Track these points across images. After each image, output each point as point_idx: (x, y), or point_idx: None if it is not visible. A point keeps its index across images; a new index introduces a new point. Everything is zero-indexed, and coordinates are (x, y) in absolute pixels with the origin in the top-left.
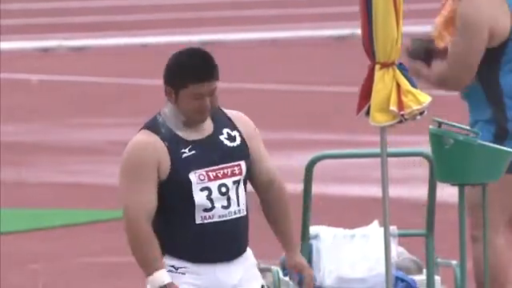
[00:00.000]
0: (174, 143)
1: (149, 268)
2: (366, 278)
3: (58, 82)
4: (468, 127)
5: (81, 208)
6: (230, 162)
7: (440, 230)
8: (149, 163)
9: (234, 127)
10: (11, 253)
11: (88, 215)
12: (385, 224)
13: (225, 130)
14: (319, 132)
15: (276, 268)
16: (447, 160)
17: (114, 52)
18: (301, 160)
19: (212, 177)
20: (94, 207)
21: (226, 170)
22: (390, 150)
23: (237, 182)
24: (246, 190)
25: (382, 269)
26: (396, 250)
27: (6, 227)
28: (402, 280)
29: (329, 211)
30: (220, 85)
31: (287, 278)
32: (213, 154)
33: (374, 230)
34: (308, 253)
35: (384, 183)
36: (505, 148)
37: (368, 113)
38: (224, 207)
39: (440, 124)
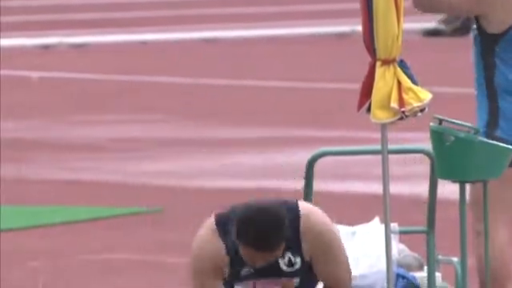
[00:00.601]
0: (235, 259)
1: None
2: (367, 274)
3: (59, 79)
4: (469, 124)
5: (81, 205)
6: (282, 277)
7: (441, 227)
8: (210, 268)
9: (298, 249)
10: (11, 250)
11: (88, 212)
12: (386, 221)
13: (287, 254)
14: (321, 129)
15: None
16: (448, 157)
17: (113, 49)
18: (302, 157)
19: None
20: (94, 204)
21: (276, 281)
22: (391, 146)
23: None
24: None
25: (383, 266)
26: (397, 246)
27: (6, 224)
28: (403, 277)
29: (330, 208)
30: (222, 81)
31: None
32: (267, 275)
33: (375, 227)
34: None
35: (385, 180)
36: (506, 145)
37: (369, 110)
38: None
39: (441, 121)
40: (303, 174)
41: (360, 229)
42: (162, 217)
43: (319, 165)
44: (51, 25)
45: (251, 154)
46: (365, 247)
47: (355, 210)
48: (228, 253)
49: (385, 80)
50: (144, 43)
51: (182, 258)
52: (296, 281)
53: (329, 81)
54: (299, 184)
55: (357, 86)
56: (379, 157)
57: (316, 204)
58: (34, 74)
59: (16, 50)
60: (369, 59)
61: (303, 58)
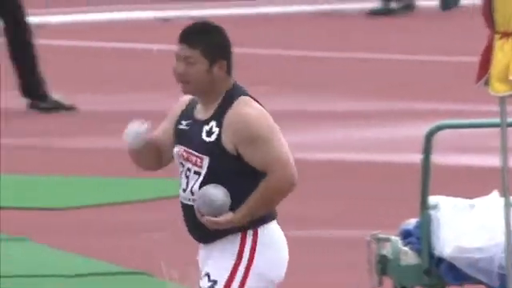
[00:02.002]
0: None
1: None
2: (486, 247)
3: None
4: None
5: None
6: (197, 152)
7: None
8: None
9: (219, 124)
10: (130, 221)
11: None
12: (504, 194)
13: (212, 123)
14: (438, 102)
15: (396, 238)
16: None
17: (230, 21)
18: (420, 130)
19: (184, 157)
20: None
21: (192, 157)
22: (511, 119)
23: (197, 174)
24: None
25: (501, 239)
26: None
27: (120, 197)
28: None
29: (448, 181)
30: (334, 54)
31: (406, 248)
32: (193, 137)
33: (494, 200)
34: (427, 222)
35: (504, 153)
36: None
37: (487, 82)
38: (183, 190)
39: None
40: (421, 147)
41: (478, 202)
42: None
43: (437, 138)
44: None
45: (366, 127)
46: (483, 220)
47: (474, 183)
48: None
49: (503, 52)
50: (264, 16)
51: (305, 231)
52: (205, 160)
53: (447, 54)
54: (417, 157)
55: (475, 59)
56: (498, 130)
57: (434, 177)
58: (155, 47)
59: (136, 23)
60: (487, 32)
61: (417, 31)
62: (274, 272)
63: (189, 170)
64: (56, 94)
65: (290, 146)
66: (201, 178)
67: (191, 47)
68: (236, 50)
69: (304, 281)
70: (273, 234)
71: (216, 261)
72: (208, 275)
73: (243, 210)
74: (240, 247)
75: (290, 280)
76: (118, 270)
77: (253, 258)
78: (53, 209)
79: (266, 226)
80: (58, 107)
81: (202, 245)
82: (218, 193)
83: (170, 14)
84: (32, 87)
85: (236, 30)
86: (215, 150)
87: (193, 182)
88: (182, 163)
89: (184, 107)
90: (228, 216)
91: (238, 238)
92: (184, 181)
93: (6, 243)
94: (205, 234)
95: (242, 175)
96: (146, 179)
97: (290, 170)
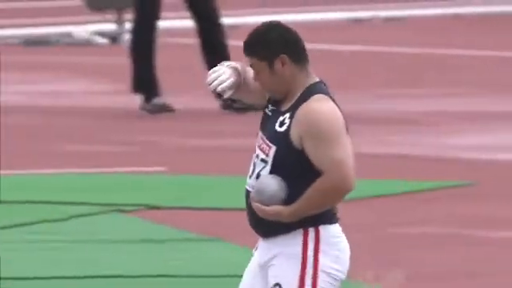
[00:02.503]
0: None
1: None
2: None
3: (368, 53)
4: None
5: (389, 179)
6: (268, 140)
7: None
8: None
9: (291, 117)
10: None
11: (398, 186)
12: None
13: (286, 114)
14: None
15: None
16: None
17: (426, 23)
18: None
19: (260, 142)
20: (403, 178)
21: (263, 145)
22: None
23: (263, 161)
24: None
25: None
26: None
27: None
28: None
29: None
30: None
31: None
32: (269, 125)
33: None
34: None
35: None
36: None
37: None
38: (249, 176)
39: None
40: None
41: None
42: (472, 191)
43: None
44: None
45: None
46: None
47: None
48: None
49: None
50: (456, 17)
51: (493, 232)
52: (272, 149)
53: None
54: None
55: None
56: None
57: None
58: (345, 48)
59: (326, 24)
60: None
61: None
62: (340, 268)
63: (257, 156)
64: None
65: (489, 146)
66: (267, 166)
67: (251, 57)
68: (444, 51)
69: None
70: (334, 234)
71: (283, 268)
72: (279, 285)
73: (293, 206)
74: (303, 248)
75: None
76: None
77: (317, 258)
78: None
79: (327, 226)
80: (252, 108)
81: (261, 238)
82: (272, 183)
83: (361, 14)
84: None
85: (442, 32)
86: (283, 141)
87: (258, 170)
88: (257, 147)
89: None
90: (277, 208)
91: (299, 237)
92: (251, 167)
93: (198, 243)
94: (263, 224)
95: (303, 171)
96: None
97: (344, 172)
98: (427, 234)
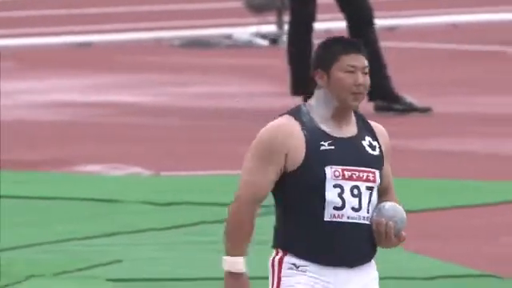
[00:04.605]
0: (314, 134)
1: (233, 249)
2: None
3: None
4: None
5: None
6: (367, 167)
7: None
8: (278, 148)
9: (375, 138)
10: (482, 224)
11: None
12: None
13: (367, 138)
14: None
15: None
16: None
17: None
18: None
19: (347, 176)
20: None
21: (361, 174)
22: None
23: (370, 189)
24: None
25: None
26: None
27: (476, 200)
28: None
29: None
30: None
31: None
32: (352, 154)
33: None
34: None
35: None
36: None
37: None
38: (354, 209)
39: None
40: None
41: None
42: None
43: None
44: None
45: None
46: None
47: None
48: (304, 128)
49: None
50: None
51: None
52: (377, 174)
53: None
54: None
55: None
56: None
57: None
58: (501, 48)
59: (493, 25)
60: None
61: None
62: None
63: (356, 187)
64: (409, 97)
65: None
66: (374, 192)
67: (364, 55)
68: None
69: None
70: None
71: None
72: None
73: None
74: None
75: None
76: (466, 273)
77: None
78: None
79: None
80: (411, 109)
81: (339, 269)
82: (401, 208)
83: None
84: (382, 89)
85: None
86: (381, 163)
87: (367, 199)
88: (339, 185)
89: (301, 136)
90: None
91: (373, 260)
92: (353, 200)
93: None
94: (362, 255)
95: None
96: (500, 182)
97: None
98: None
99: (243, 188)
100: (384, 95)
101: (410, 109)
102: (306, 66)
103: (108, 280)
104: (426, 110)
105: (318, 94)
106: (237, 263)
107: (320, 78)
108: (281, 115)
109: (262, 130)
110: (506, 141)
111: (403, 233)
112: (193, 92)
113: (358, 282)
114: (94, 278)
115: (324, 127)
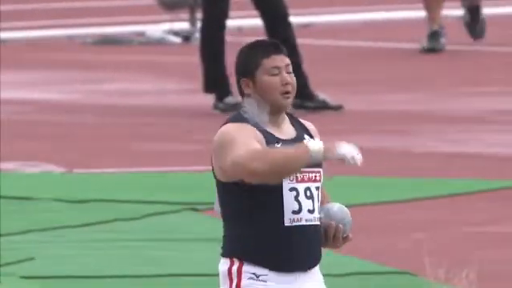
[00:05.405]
0: (267, 136)
1: (300, 152)
2: None
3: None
4: None
5: (463, 177)
6: (313, 167)
7: None
8: (249, 129)
9: (311, 136)
10: (397, 221)
11: (471, 185)
12: None
13: (306, 136)
14: None
15: None
16: None
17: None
18: None
19: (299, 178)
20: (476, 177)
21: (310, 174)
22: None
23: (317, 189)
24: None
25: None
26: None
27: (391, 196)
28: None
29: None
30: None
31: None
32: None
33: None
34: None
35: None
36: None
37: None
38: (310, 211)
39: None
40: None
41: None
42: None
43: None
44: None
45: None
46: None
47: None
48: (257, 128)
49: None
50: None
51: None
52: (321, 173)
53: None
54: None
55: None
56: None
57: None
58: (414, 46)
59: (399, 23)
60: None
61: None
62: None
63: (308, 189)
64: (322, 94)
65: None
66: (320, 192)
67: (285, 54)
68: None
69: None
70: None
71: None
72: None
73: None
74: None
75: None
76: (381, 270)
77: None
78: None
79: None
80: (324, 107)
81: (297, 274)
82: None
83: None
84: (297, 87)
85: None
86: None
87: (317, 200)
88: (294, 188)
89: (259, 134)
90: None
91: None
92: (307, 202)
93: None
94: (316, 258)
95: None
96: (415, 179)
97: None
98: (501, 234)
99: (238, 154)
100: (299, 92)
101: (322, 106)
102: (219, 63)
103: (22, 277)
104: (338, 108)
105: (250, 102)
106: (316, 142)
107: (246, 86)
108: (224, 123)
109: (223, 128)
110: (418, 138)
111: (350, 234)
112: (106, 89)
113: (313, 285)
114: (8, 275)
115: (270, 130)
